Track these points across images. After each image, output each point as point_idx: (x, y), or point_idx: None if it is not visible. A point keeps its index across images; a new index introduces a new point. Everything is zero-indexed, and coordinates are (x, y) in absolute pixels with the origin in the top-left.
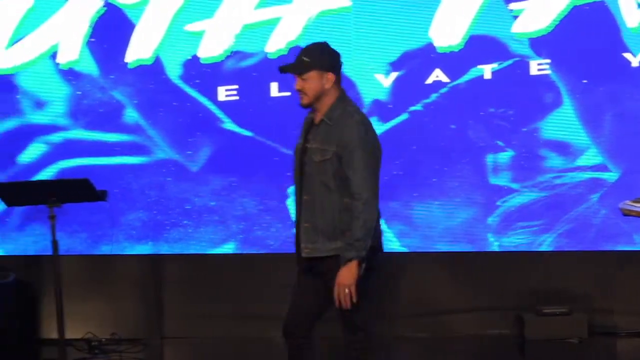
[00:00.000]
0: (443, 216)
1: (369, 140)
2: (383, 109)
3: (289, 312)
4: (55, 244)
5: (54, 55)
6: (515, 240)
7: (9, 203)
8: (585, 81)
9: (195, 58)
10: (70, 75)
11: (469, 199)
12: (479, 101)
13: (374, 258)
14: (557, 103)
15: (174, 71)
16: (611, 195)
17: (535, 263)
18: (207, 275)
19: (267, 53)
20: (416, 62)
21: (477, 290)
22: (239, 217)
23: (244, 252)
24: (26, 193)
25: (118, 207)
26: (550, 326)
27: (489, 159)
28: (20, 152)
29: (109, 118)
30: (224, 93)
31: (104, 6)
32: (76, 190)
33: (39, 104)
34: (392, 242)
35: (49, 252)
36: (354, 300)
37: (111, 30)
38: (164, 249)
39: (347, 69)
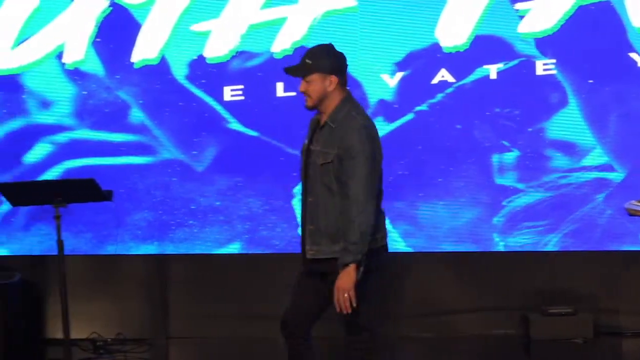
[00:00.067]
0: (448, 216)
1: (370, 144)
2: (389, 109)
3: (289, 312)
4: (60, 244)
5: (59, 55)
6: (520, 240)
7: (15, 203)
8: (591, 81)
9: (201, 58)
10: (76, 75)
11: (474, 199)
12: (484, 101)
13: (377, 259)
14: (562, 103)
15: (179, 71)
16: (617, 195)
17: (540, 263)
18: (212, 275)
19: (272, 53)
20: (422, 62)
21: (483, 290)
22: (245, 217)
23: (250, 252)
24: (32, 193)
25: (123, 207)
26: (556, 326)
27: (495, 159)
28: (25, 152)
29: (114, 118)
30: (229, 93)
31: (110, 6)
32: (82, 190)
33: (45, 104)
34: (397, 242)
35: (55, 252)
36: (354, 304)
37: (117, 30)
38: (170, 249)
39: (352, 69)
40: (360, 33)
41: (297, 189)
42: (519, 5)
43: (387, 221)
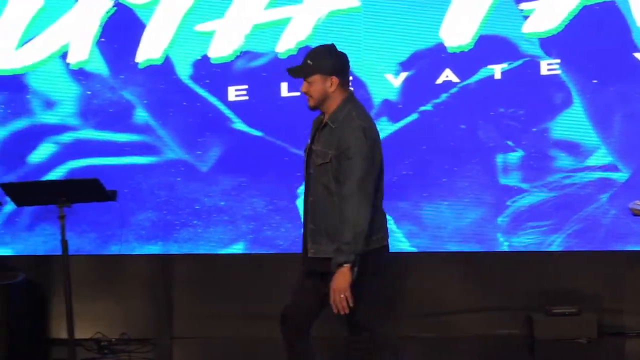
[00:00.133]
0: (452, 216)
1: (367, 145)
2: (393, 109)
3: (289, 312)
4: (64, 243)
5: (64, 55)
6: (524, 240)
7: (19, 203)
8: (595, 81)
9: (205, 58)
10: (80, 75)
11: (478, 199)
12: (489, 101)
13: (377, 259)
14: (567, 103)
15: (184, 71)
16: (621, 195)
17: (544, 263)
18: (216, 275)
19: (277, 53)
20: (426, 62)
21: (487, 290)
22: (249, 217)
23: (254, 252)
24: (36, 193)
25: (128, 207)
26: (560, 326)
27: (499, 159)
28: (30, 152)
29: (118, 118)
30: (233, 93)
31: (114, 6)
32: (86, 190)
33: (49, 104)
34: (401, 242)
35: (59, 252)
36: (350, 304)
37: (121, 30)
38: (174, 249)
39: (357, 69)
40: (365, 33)
41: (301, 189)
42: (523, 5)
43: (391, 221)
